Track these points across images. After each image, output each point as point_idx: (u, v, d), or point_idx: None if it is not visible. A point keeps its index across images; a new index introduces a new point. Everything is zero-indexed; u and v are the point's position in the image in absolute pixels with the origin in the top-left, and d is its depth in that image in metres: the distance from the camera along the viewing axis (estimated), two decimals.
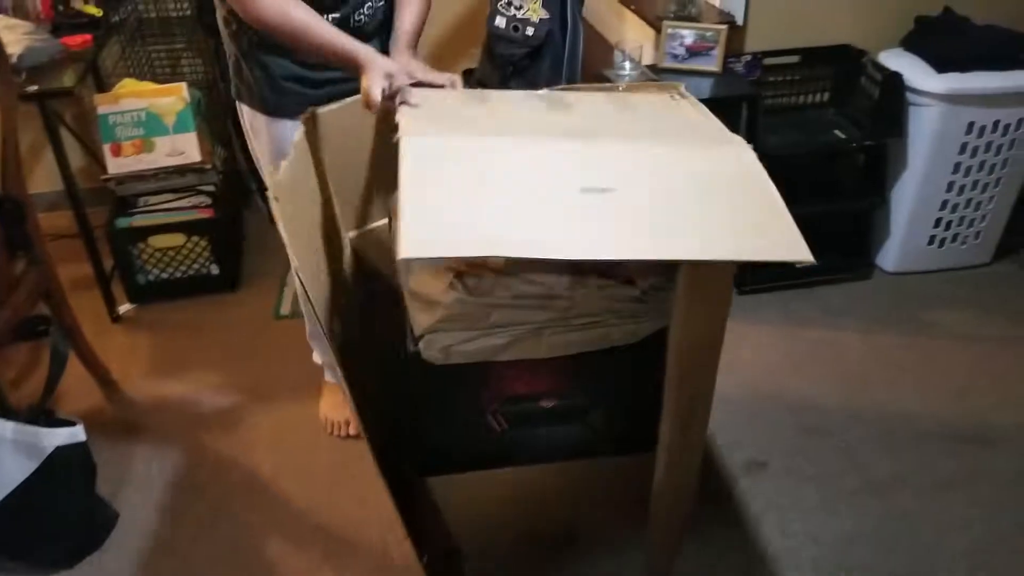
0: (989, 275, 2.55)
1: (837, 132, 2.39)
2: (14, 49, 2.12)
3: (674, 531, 1.44)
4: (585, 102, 1.39)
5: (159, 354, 2.33)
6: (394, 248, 0.98)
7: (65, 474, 1.62)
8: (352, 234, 1.63)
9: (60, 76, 2.16)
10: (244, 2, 1.41)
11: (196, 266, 2.52)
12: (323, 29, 1.43)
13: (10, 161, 1.86)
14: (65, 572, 1.68)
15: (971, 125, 2.29)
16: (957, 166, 2.36)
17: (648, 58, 2.38)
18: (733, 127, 1.25)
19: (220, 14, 1.58)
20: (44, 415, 1.63)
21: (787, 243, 0.99)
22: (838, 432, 1.98)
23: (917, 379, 2.14)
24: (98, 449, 1.80)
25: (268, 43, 1.54)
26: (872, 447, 1.93)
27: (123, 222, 2.42)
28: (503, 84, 2.27)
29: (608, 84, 2.18)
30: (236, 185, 2.90)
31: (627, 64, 2.30)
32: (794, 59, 2.43)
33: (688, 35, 2.30)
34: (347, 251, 1.61)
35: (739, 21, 2.34)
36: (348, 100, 1.47)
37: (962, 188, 2.41)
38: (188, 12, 2.74)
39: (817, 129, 2.43)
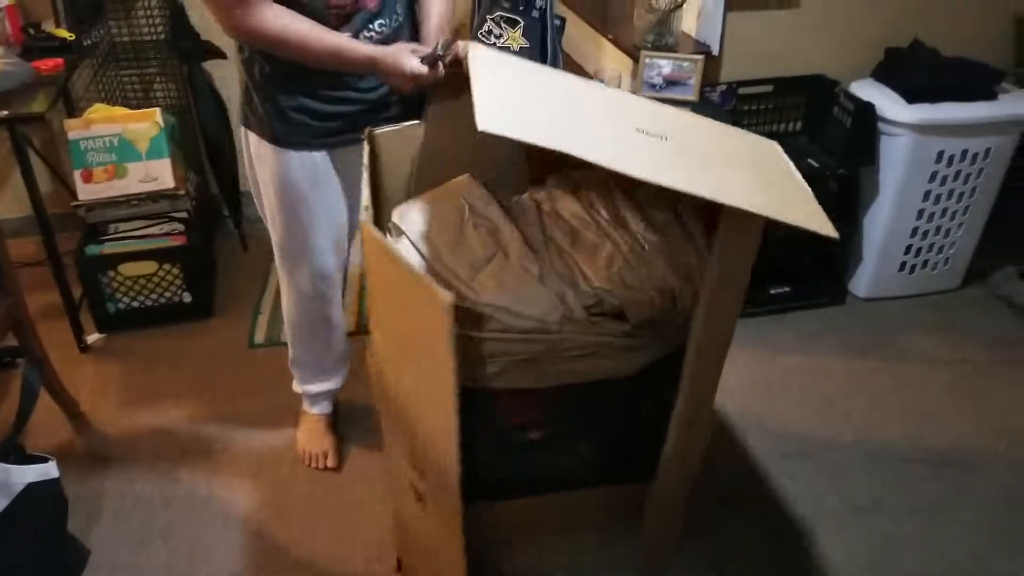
0: (959, 299, 2.60)
1: (811, 161, 2.43)
2: None
3: (667, 547, 1.45)
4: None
5: (130, 385, 2.27)
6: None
7: (37, 512, 1.56)
8: None
9: (31, 101, 2.12)
10: (243, 16, 1.37)
11: (168, 294, 2.46)
12: (328, 38, 1.41)
13: None
14: None
15: (941, 154, 2.34)
16: (927, 194, 2.41)
17: (626, 86, 2.41)
18: None
19: (235, 41, 1.54)
20: (14, 451, 1.57)
21: (818, 220, 1.09)
22: (818, 455, 1.99)
23: (895, 403, 2.16)
24: (68, 484, 1.73)
25: (280, 73, 1.51)
26: (852, 471, 1.94)
27: (93, 249, 2.37)
28: None
29: None
30: (208, 211, 2.86)
31: None
32: (768, 88, 2.47)
33: (666, 65, 2.33)
34: None
35: (715, 51, 2.38)
36: (403, 125, 1.47)
37: (932, 215, 2.46)
38: (162, 36, 2.70)
39: (791, 157, 2.46)
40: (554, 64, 2.22)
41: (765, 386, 2.23)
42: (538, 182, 1.41)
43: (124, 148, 2.34)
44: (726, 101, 2.41)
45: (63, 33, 2.38)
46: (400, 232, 1.29)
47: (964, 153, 2.35)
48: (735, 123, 2.32)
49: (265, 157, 1.62)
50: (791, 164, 1.26)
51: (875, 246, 2.51)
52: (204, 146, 2.79)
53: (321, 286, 1.77)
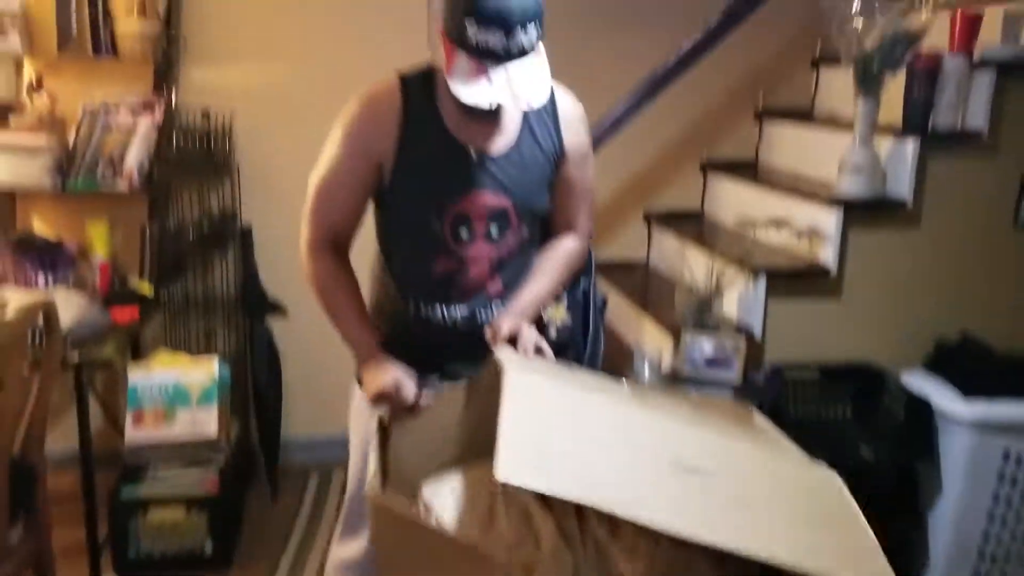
0: None
1: (863, 452, 2.31)
2: (67, 321, 2.23)
3: None
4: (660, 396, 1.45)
5: None
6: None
7: None
8: None
9: (102, 348, 2.25)
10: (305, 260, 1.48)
11: (191, 543, 2.41)
12: (339, 299, 1.48)
13: (36, 426, 1.87)
14: None
15: (1007, 453, 2.20)
16: (996, 497, 2.23)
17: (666, 365, 2.41)
18: None
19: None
20: None
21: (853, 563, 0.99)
22: None
23: None
24: None
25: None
26: None
27: (128, 493, 2.37)
28: None
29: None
30: (245, 460, 2.87)
31: (647, 369, 2.32)
32: (814, 375, 2.43)
33: (707, 345, 2.34)
34: None
35: (756, 334, 2.39)
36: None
37: (1004, 519, 2.26)
38: (233, 291, 2.90)
39: (843, 446, 2.36)
40: (595, 342, 2.25)
41: None
42: None
43: (178, 394, 2.42)
44: (772, 385, 2.36)
45: (144, 288, 2.57)
46: (429, 509, 1.25)
47: None
48: (779, 408, 2.26)
49: (363, 413, 1.62)
50: (851, 501, 1.19)
51: (942, 550, 2.29)
52: (253, 398, 2.87)
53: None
